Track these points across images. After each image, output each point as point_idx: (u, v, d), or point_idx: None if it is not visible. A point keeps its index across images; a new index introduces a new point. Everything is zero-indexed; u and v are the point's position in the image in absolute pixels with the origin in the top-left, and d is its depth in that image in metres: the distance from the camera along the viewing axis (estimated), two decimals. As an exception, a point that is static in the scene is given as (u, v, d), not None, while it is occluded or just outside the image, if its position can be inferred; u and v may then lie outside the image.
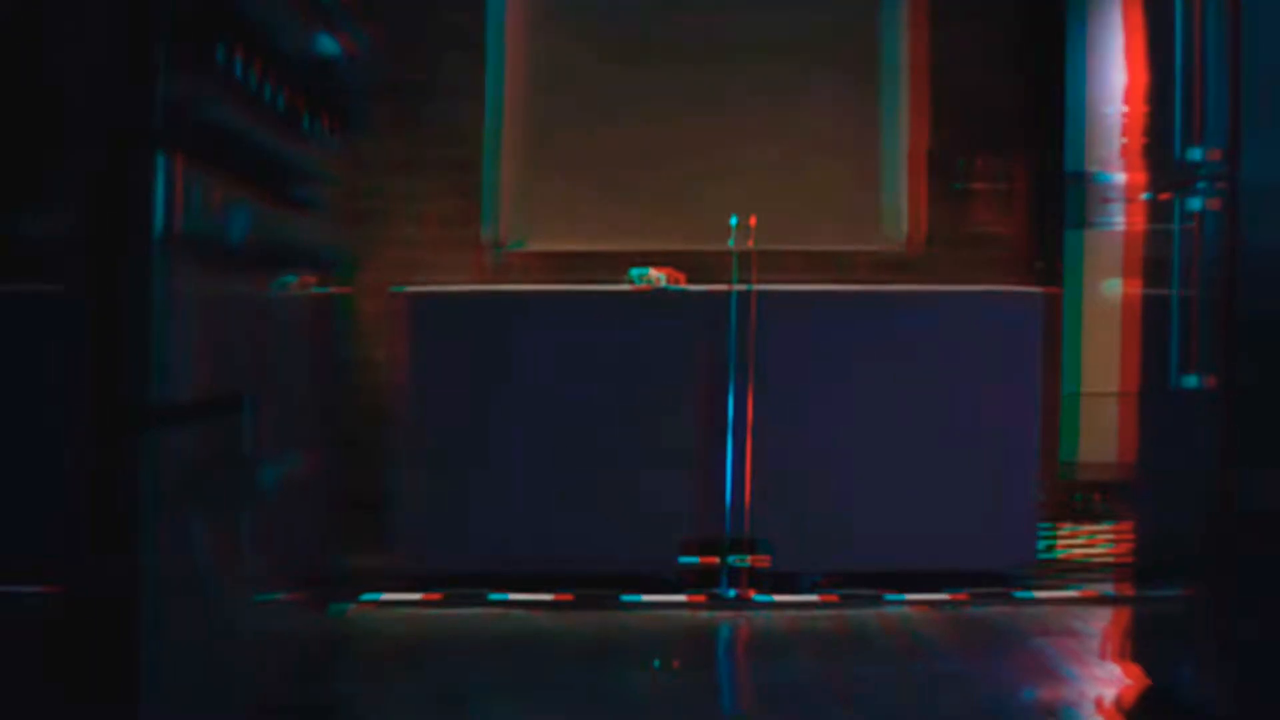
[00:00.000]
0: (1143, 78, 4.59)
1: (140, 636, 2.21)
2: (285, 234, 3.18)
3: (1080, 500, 8.26)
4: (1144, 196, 4.49)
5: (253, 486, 2.93)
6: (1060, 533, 7.78)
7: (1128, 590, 4.88)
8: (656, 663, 5.22)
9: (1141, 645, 4.60)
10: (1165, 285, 4.24)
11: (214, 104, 2.41)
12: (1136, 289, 4.60)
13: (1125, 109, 8.22)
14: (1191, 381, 4.04)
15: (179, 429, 2.39)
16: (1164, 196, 4.32)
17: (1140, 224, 4.55)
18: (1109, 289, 8.15)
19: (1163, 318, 4.24)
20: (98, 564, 2.17)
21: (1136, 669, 4.60)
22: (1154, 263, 4.43)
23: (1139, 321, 4.56)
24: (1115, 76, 8.34)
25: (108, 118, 2.12)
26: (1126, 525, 4.99)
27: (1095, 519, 8.08)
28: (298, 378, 3.48)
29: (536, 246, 8.62)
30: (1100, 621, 5.60)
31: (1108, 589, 6.20)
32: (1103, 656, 4.99)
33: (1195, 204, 4.03)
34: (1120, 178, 8.25)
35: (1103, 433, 7.97)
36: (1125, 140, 8.22)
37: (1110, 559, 6.95)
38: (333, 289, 3.77)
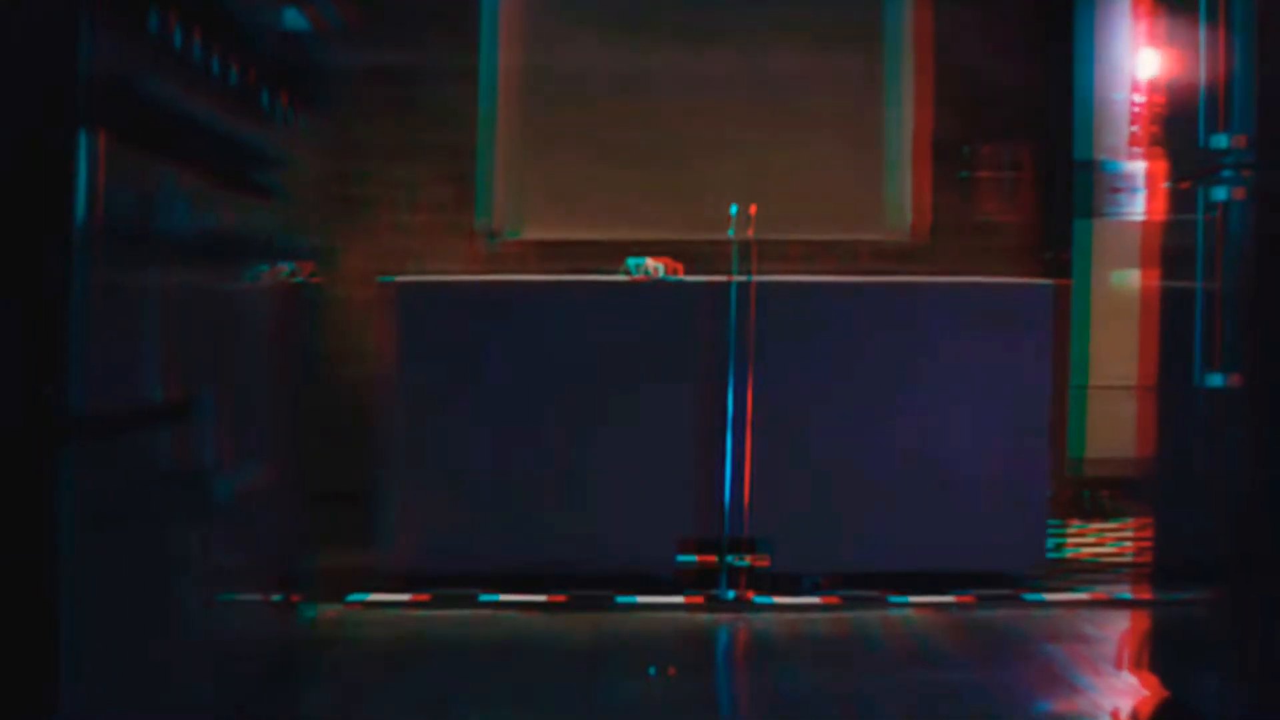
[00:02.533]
0: (1162, 61, 4.42)
1: (58, 645, 2.08)
2: (242, 222, 2.99)
3: (1089, 497, 8.10)
4: (1164, 185, 4.31)
5: (209, 490, 2.75)
6: (1069, 531, 7.61)
7: (1143, 593, 4.71)
8: (652, 669, 5.05)
9: (1158, 653, 4.42)
10: (1186, 278, 4.05)
11: (148, 79, 2.22)
12: (1155, 281, 4.41)
13: (1142, 94, 8.06)
14: (1216, 380, 3.85)
15: (113, 432, 2.22)
16: (1184, 185, 4.14)
17: (1159, 214, 4.37)
18: (1119, 280, 7.99)
19: (1183, 312, 4.05)
20: (11, 574, 2.03)
21: (1153, 679, 4.42)
22: (1174, 254, 4.25)
23: (1157, 315, 4.38)
24: (1125, 62, 8.19)
25: (21, 93, 1.94)
26: (1140, 524, 4.82)
27: (1105, 517, 7.92)
28: (264, 374, 3.30)
29: (531, 235, 8.49)
30: (1113, 626, 5.43)
31: (1121, 591, 6.03)
32: (1117, 665, 4.82)
33: (1220, 193, 3.83)
34: (1130, 166, 8.10)
35: (1112, 427, 7.82)
36: (1139, 128, 8.05)
37: (1120, 559, 6.79)
38: (305, 279, 3.57)
